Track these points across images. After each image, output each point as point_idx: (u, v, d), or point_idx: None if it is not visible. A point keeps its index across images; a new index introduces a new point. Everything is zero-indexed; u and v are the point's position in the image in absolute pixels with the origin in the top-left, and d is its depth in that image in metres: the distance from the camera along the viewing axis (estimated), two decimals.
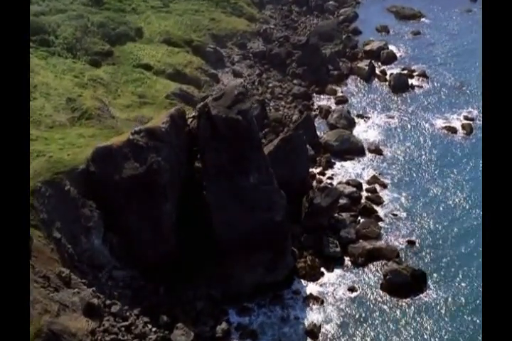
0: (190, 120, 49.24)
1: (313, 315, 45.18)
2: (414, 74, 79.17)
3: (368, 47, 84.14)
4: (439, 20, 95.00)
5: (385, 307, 46.01)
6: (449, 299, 46.45)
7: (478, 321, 44.21)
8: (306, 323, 44.37)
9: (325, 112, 69.75)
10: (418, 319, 44.98)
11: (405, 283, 46.89)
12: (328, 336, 43.71)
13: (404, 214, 55.02)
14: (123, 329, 40.44)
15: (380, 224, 53.71)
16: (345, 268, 49.48)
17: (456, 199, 56.96)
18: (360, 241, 51.52)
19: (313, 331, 43.63)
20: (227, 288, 45.64)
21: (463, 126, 68.01)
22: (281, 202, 47.11)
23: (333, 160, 62.39)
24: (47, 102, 54.17)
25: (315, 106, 71.80)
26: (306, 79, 75.28)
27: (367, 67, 78.45)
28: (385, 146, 64.96)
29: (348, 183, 58.28)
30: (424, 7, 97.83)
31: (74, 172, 44.37)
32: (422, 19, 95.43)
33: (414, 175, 60.56)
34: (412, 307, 45.91)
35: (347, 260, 50.12)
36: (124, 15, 76.31)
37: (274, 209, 46.26)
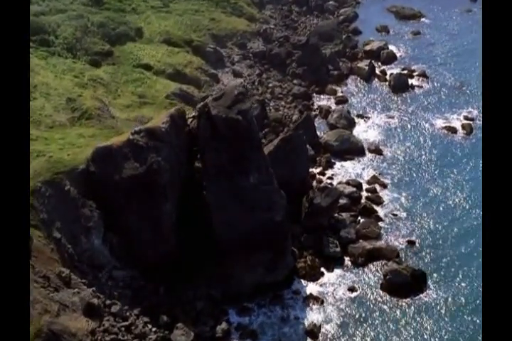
0: (190, 120, 49.23)
1: (313, 315, 45.16)
2: (414, 74, 79.12)
3: (367, 47, 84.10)
4: (439, 20, 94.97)
5: (385, 307, 46.00)
6: (449, 299, 46.44)
7: (478, 321, 44.21)
8: (306, 323, 44.36)
9: (325, 112, 69.72)
10: (418, 319, 44.97)
11: (405, 283, 46.88)
12: (328, 336, 43.70)
13: (404, 214, 55.02)
14: (123, 329, 40.43)
15: (380, 224, 53.71)
16: (345, 268, 49.47)
17: (456, 199, 56.95)
18: (360, 241, 51.51)
19: (313, 331, 43.62)
20: (227, 288, 45.62)
21: (463, 126, 68.00)
22: (281, 202, 47.11)
23: (333, 160, 62.37)
24: (47, 102, 54.16)
25: (315, 106, 71.76)
26: (306, 79, 75.25)
27: (367, 67, 78.42)
28: (385, 146, 64.94)
29: (348, 183, 58.27)
30: (424, 7, 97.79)
31: (74, 172, 44.36)
32: (422, 19, 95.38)
33: (414, 175, 60.55)
34: (412, 307, 45.90)
35: (347, 260, 50.12)
36: (124, 15, 76.31)
37: (274, 209, 46.26)
